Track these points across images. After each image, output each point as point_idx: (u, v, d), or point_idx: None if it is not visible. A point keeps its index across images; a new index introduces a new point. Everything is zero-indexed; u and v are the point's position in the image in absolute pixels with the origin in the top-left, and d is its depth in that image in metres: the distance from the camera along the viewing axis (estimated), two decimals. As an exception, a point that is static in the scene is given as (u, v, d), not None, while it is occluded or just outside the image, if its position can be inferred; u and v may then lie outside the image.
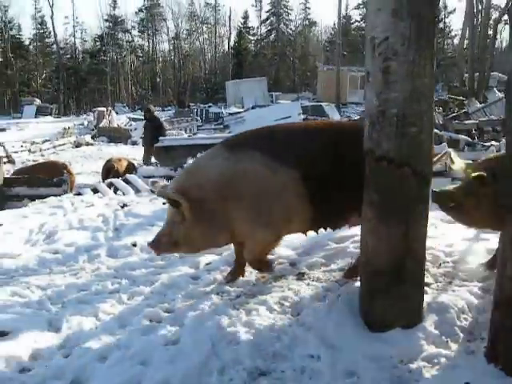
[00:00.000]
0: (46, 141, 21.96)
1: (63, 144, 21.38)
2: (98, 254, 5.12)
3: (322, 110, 29.18)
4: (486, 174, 3.93)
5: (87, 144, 21.86)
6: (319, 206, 4.02)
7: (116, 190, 8.30)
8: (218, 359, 3.09)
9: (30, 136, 27.10)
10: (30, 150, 18.66)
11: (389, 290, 3.33)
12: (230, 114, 30.09)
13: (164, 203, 6.75)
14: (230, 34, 62.22)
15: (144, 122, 14.53)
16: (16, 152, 17.89)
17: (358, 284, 3.82)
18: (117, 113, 32.42)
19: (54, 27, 59.19)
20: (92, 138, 23.43)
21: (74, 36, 65.52)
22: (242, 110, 31.29)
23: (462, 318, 3.55)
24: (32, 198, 8.44)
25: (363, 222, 3.44)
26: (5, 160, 15.24)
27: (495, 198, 3.85)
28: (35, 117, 42.58)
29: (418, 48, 3.04)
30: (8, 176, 9.59)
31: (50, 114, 43.91)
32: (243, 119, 27.25)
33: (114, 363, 3.15)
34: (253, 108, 31.72)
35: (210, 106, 38.83)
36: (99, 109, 29.26)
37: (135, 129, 25.56)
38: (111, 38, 61.12)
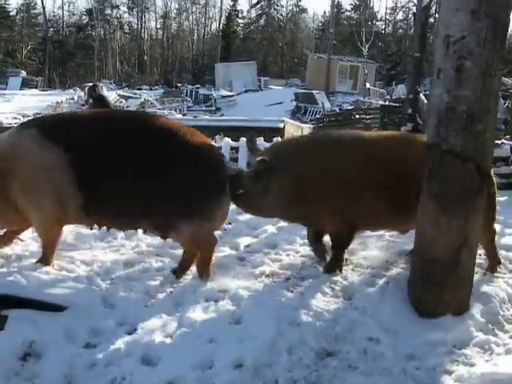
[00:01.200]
0: (37, 114, 21.66)
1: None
2: (133, 231, 5.14)
3: (313, 97, 29.27)
4: (268, 159, 4.07)
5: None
6: (92, 197, 3.99)
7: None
8: (284, 340, 3.20)
9: (17, 108, 26.80)
10: (23, 123, 18.37)
11: (443, 279, 3.48)
12: (223, 96, 30.02)
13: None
14: (221, 15, 61.71)
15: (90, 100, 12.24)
16: (10, 124, 17.65)
17: (404, 271, 3.98)
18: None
19: (42, -1, 58.29)
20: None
21: (62, 9, 64.38)
22: (234, 94, 31.31)
23: (504, 308, 3.73)
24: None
25: (421, 212, 3.57)
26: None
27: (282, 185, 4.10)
28: (20, 89, 42.03)
29: (493, 49, 3.16)
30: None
31: (36, 87, 43.32)
32: (235, 102, 27.32)
33: (182, 341, 3.20)
34: (245, 92, 31.78)
35: (198, 88, 38.63)
36: (90, 84, 28.93)
37: (127, 106, 25.40)
38: (100, 13, 60.23)
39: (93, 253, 4.68)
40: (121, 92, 32.38)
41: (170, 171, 3.90)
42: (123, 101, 28.49)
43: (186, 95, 32.89)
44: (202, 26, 66.89)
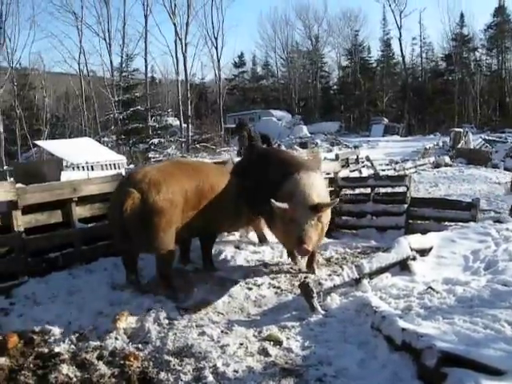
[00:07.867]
0: (406, 160, 22.67)
1: (423, 164, 21.65)
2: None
3: None
4: None
5: (446, 165, 21.68)
6: None
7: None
8: None
9: (382, 154, 28.23)
10: (395, 169, 19.38)
11: None
12: None
13: None
14: None
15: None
16: (383, 170, 18.81)
17: None
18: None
19: (401, 48, 61.36)
20: (450, 158, 23.14)
21: (421, 56, 66.32)
22: None
23: None
24: (437, 220, 8.48)
25: None
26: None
27: None
28: (382, 135, 44.43)
29: None
30: (416, 196, 9.54)
31: (397, 134, 45.25)
32: None
33: None
34: None
35: None
36: (456, 129, 28.92)
37: (496, 151, 24.56)
38: (459, 57, 60.21)
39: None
40: (485, 136, 31.57)
41: None
42: (488, 145, 27.74)
43: None
44: None
